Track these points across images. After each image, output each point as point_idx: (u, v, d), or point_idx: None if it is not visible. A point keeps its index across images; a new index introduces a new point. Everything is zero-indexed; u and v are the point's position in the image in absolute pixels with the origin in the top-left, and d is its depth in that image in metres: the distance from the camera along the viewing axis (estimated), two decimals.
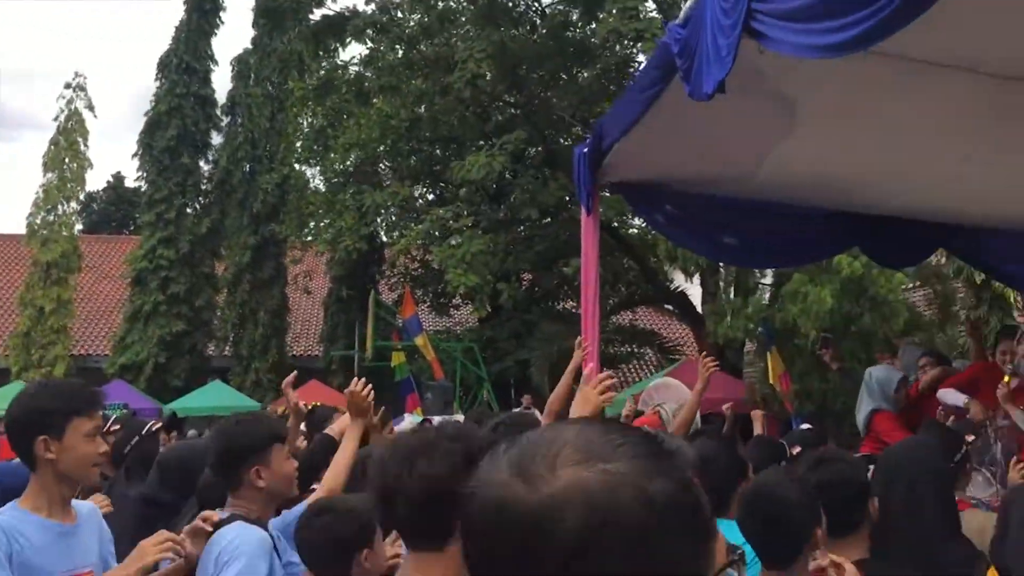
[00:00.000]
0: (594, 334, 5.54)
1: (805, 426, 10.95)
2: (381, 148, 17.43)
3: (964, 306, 12.46)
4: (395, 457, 1.83)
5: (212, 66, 23.82)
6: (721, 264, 13.83)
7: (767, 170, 5.12)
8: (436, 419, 10.44)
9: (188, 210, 23.11)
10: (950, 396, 5.76)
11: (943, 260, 10.98)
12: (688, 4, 3.87)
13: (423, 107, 16.44)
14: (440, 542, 1.78)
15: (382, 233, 20.67)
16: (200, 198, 23.71)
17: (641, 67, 15.78)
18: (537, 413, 13.48)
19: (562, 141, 16.85)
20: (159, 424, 3.90)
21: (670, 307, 17.26)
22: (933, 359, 6.07)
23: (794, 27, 3.24)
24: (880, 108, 4.24)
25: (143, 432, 3.63)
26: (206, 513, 2.65)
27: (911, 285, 13.03)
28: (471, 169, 13.05)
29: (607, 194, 14.10)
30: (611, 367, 17.44)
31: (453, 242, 14.65)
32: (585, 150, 5.44)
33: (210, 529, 2.55)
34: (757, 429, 6.00)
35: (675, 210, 5.77)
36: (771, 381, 11.19)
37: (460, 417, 11.80)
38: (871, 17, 2.92)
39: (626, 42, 14.95)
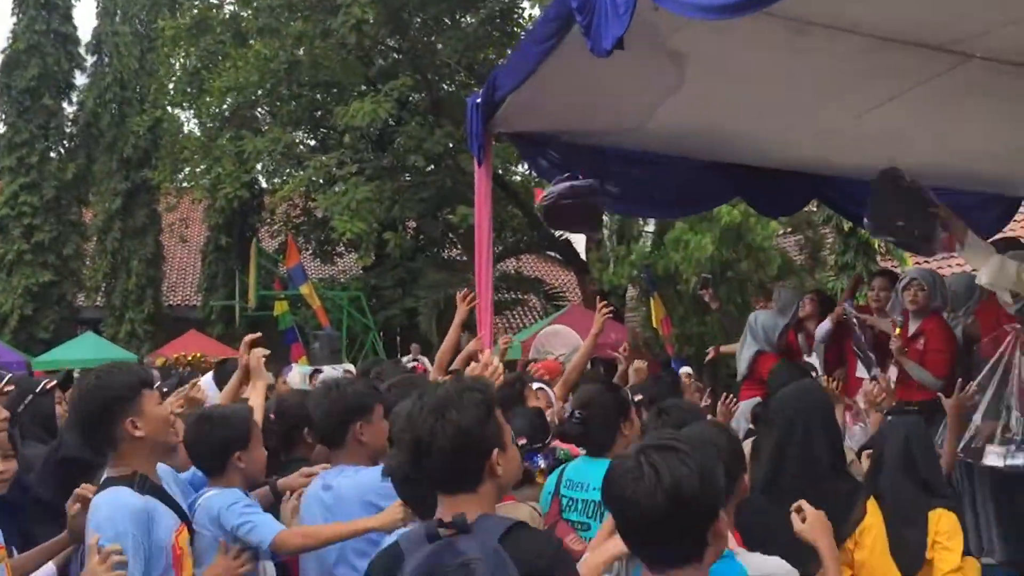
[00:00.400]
0: (487, 283, 5.64)
1: (685, 368, 11.44)
2: (259, 92, 16.90)
3: (832, 252, 13.14)
4: (425, 410, 1.92)
5: (74, 1, 22.46)
6: (606, 212, 14.11)
7: (655, 122, 5.27)
8: (325, 368, 10.37)
9: (52, 154, 21.85)
10: (821, 329, 6.14)
11: (814, 208, 11.51)
12: None
13: (302, 50, 15.96)
14: (473, 485, 1.92)
15: (262, 180, 20.13)
16: (64, 142, 22.45)
17: (526, 14, 15.79)
18: (427, 362, 13.50)
19: (446, 87, 16.70)
20: (54, 382, 3.78)
21: (555, 254, 17.52)
22: (816, 297, 6.42)
23: None
24: (765, 64, 4.41)
25: (37, 390, 3.52)
26: (82, 488, 2.64)
27: (783, 232, 13.64)
28: (356, 115, 12.81)
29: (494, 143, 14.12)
30: (496, 314, 17.63)
31: (338, 189, 14.41)
32: (478, 100, 5.47)
33: (89, 496, 2.56)
34: (633, 380, 6.10)
35: (563, 159, 5.87)
36: (654, 325, 11.59)
37: (349, 366, 11.74)
38: None
39: None
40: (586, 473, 3.20)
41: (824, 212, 11.69)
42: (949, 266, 10.96)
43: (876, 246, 11.81)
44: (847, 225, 11.55)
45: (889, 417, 3.82)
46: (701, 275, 8.41)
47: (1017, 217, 7.31)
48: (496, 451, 1.93)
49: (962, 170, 6.06)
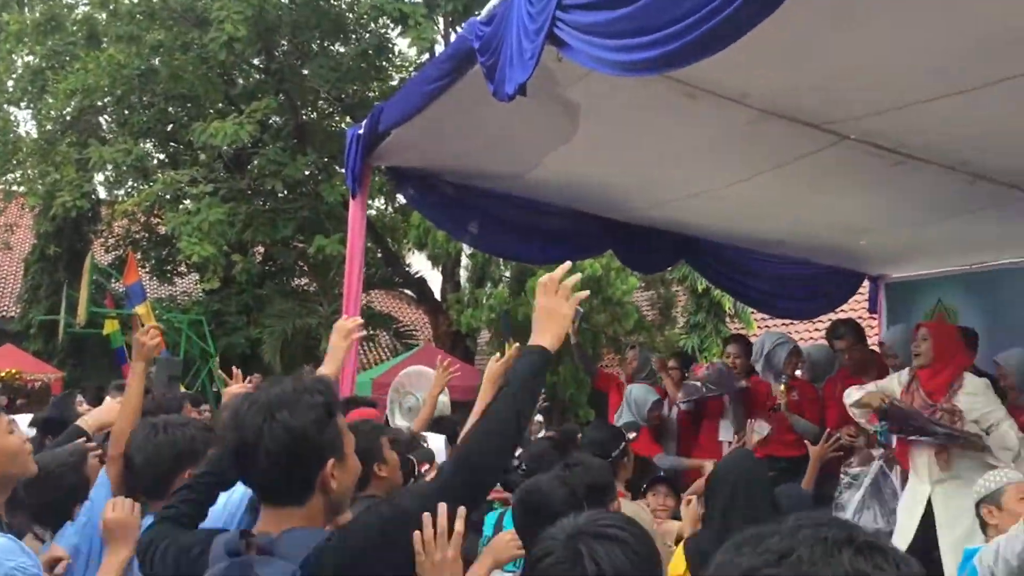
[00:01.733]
0: (355, 315, 5.49)
1: (537, 417, 11.46)
2: (108, 98, 16.03)
3: (685, 311, 13.59)
4: (253, 409, 1.72)
5: None
6: (465, 255, 14.10)
7: (539, 170, 5.29)
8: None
9: None
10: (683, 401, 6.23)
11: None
12: (492, 2, 3.89)
13: (159, 60, 15.26)
14: (301, 497, 1.73)
15: (101, 190, 19.02)
16: None
17: (396, 50, 15.74)
18: None
19: (308, 114, 16.35)
20: None
21: (408, 292, 17.33)
22: (676, 363, 6.56)
23: (594, 41, 3.35)
24: (653, 124, 4.49)
25: None
26: None
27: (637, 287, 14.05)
28: (216, 134, 12.31)
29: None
30: None
31: (189, 207, 13.76)
32: (359, 132, 5.35)
33: None
34: None
35: (442, 196, 5.82)
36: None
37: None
38: (670, 41, 3.08)
39: (384, 20, 14.76)
40: None
41: (680, 271, 12.11)
42: (800, 331, 11.52)
43: (726, 308, 12.29)
44: (700, 286, 11.98)
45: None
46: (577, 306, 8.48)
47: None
48: (332, 461, 1.74)
49: (820, 243, 6.39)
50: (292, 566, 1.59)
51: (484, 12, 3.93)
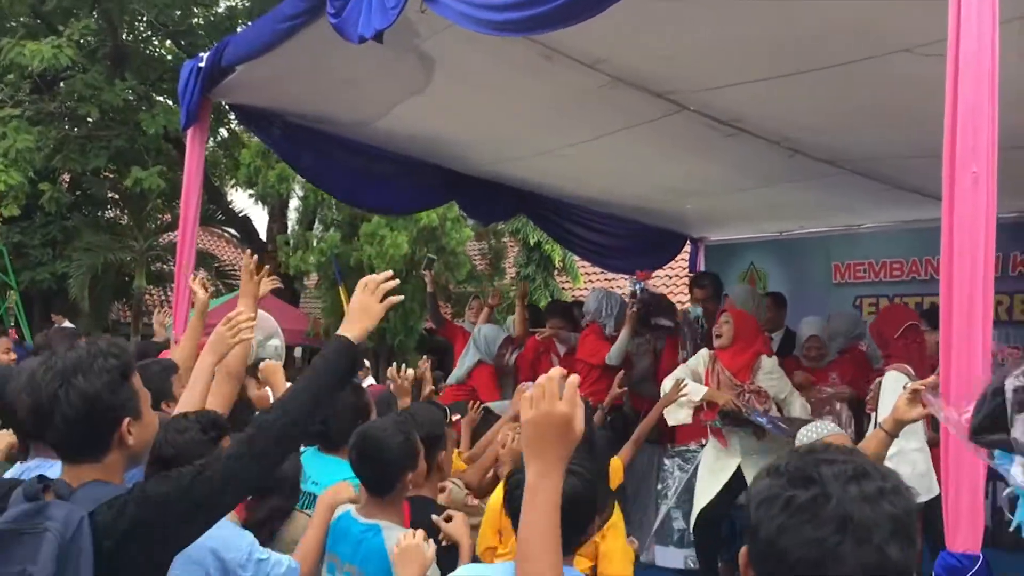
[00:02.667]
0: (190, 255, 5.42)
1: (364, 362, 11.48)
2: None
3: (515, 264, 13.85)
4: (50, 374, 1.82)
5: None
6: (296, 196, 13.75)
7: (388, 119, 5.27)
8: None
9: None
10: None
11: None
12: None
13: None
14: (98, 453, 1.84)
15: None
16: None
17: None
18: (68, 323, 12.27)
19: (127, 38, 15.31)
20: None
21: (231, 231, 16.74)
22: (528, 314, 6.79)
23: None
24: (506, 82, 4.58)
25: None
26: None
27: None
28: (32, 57, 11.31)
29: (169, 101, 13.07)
30: (158, 286, 16.54)
31: None
32: (200, 65, 5.15)
33: None
34: None
35: (286, 136, 5.70)
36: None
37: None
38: (538, 4, 3.18)
39: None
40: (318, 468, 3.25)
41: (512, 224, 12.32)
42: (624, 285, 12.02)
43: (555, 262, 12.63)
44: (532, 239, 12.25)
45: None
46: (427, 256, 8.64)
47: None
48: (127, 420, 1.87)
49: (650, 205, 6.72)
50: (82, 511, 1.69)
51: None
